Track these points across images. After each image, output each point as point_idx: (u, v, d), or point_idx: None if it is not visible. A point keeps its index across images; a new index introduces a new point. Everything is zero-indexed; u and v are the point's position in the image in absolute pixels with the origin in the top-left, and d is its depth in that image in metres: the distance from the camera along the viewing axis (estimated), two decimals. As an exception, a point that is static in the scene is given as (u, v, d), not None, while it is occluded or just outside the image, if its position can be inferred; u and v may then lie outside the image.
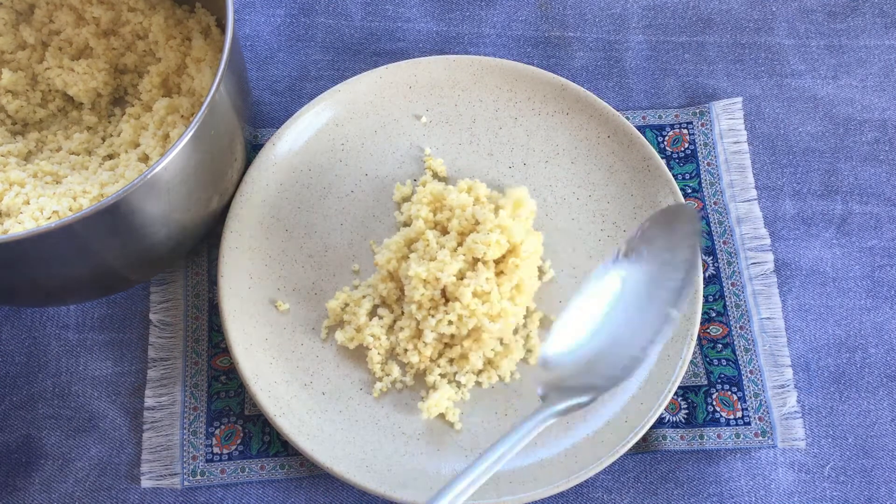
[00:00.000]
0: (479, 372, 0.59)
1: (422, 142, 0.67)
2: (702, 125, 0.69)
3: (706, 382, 0.60)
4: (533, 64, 0.71)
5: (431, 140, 0.67)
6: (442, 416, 0.58)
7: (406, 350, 0.59)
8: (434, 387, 0.59)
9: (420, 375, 0.60)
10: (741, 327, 0.62)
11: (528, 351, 0.60)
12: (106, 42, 0.65)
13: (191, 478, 0.58)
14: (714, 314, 0.62)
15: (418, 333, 0.59)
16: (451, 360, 0.59)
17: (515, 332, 0.60)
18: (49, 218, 0.55)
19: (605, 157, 0.66)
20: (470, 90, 0.68)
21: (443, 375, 0.59)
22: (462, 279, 0.58)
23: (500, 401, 0.59)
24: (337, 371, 0.60)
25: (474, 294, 0.58)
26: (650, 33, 0.73)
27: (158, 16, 0.64)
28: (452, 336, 0.59)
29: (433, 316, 0.58)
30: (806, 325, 0.63)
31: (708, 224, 0.65)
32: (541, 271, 0.62)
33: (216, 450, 0.58)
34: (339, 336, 0.60)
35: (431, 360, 0.59)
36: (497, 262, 0.60)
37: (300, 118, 0.65)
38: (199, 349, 0.61)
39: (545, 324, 0.61)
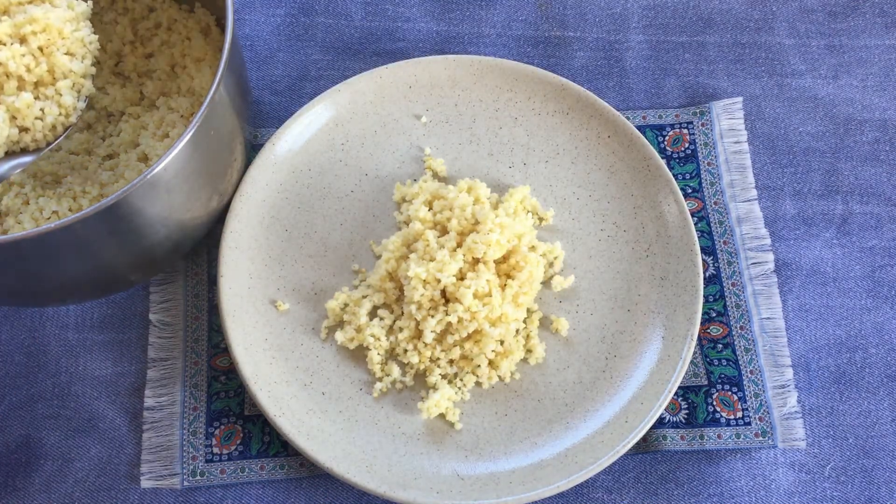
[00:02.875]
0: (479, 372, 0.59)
1: (422, 142, 0.67)
2: (702, 125, 0.69)
3: (706, 382, 0.60)
4: (533, 64, 0.71)
5: (431, 140, 0.67)
6: (442, 416, 0.58)
7: (406, 350, 0.59)
8: (434, 387, 0.59)
9: (420, 376, 0.60)
10: (741, 327, 0.62)
11: (528, 351, 0.60)
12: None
13: (190, 478, 0.58)
14: (714, 314, 0.62)
15: (418, 334, 0.59)
16: (451, 361, 0.59)
17: (516, 333, 0.60)
18: (49, 218, 0.55)
19: (605, 157, 0.66)
20: (470, 90, 0.68)
21: (443, 376, 0.59)
22: (462, 279, 0.58)
23: (500, 401, 0.59)
24: (337, 371, 0.60)
25: (475, 295, 0.57)
26: (650, 33, 0.73)
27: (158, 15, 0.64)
28: (453, 338, 0.59)
29: (433, 316, 0.58)
30: (806, 325, 0.63)
31: (708, 224, 0.65)
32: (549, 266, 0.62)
33: (216, 450, 0.58)
34: (339, 336, 0.60)
35: (431, 361, 0.59)
36: (499, 262, 0.60)
37: (300, 118, 0.65)
38: (199, 349, 0.61)
39: (545, 324, 0.61)
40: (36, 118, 0.51)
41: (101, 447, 0.59)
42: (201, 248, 0.64)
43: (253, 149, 0.67)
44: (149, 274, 0.61)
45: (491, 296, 0.58)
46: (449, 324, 0.58)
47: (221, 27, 0.63)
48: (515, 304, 0.59)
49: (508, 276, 0.60)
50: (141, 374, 0.61)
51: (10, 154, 0.52)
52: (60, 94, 0.51)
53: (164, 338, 0.61)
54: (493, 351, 0.58)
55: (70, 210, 0.55)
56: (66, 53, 0.51)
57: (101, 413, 0.60)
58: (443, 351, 0.59)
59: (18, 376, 0.61)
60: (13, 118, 0.51)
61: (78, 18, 0.52)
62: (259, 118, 0.70)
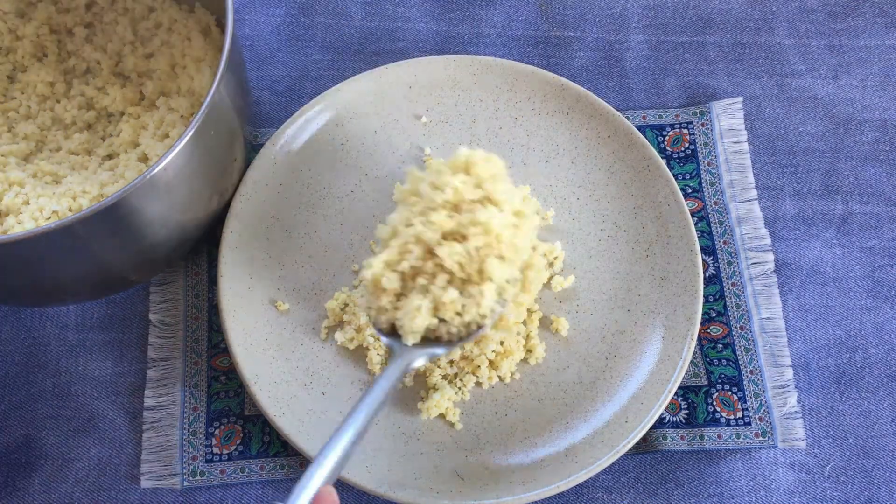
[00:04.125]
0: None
1: (422, 142, 0.67)
2: (702, 125, 0.69)
3: (706, 382, 0.60)
4: (533, 64, 0.71)
5: (431, 140, 0.67)
6: (442, 416, 0.58)
7: None
8: (434, 387, 0.59)
9: (420, 376, 0.60)
10: (741, 327, 0.62)
11: (528, 351, 0.60)
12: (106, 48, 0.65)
13: (190, 478, 0.58)
14: (714, 314, 0.62)
15: None
16: (451, 362, 0.59)
17: (516, 333, 0.60)
18: (49, 218, 0.55)
19: (605, 157, 0.66)
20: (470, 90, 0.68)
21: (444, 376, 0.59)
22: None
23: (501, 401, 0.59)
24: (337, 371, 0.60)
25: None
26: (650, 33, 0.73)
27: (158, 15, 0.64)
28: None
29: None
30: (806, 325, 0.63)
31: (708, 224, 0.65)
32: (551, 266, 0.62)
33: (216, 450, 0.58)
34: (339, 337, 0.60)
35: (431, 362, 0.59)
36: None
37: (300, 118, 0.65)
38: (199, 349, 0.61)
39: (545, 324, 0.61)
40: (456, 313, 0.51)
41: (101, 447, 0.59)
42: (201, 248, 0.64)
43: (253, 149, 0.67)
44: (149, 274, 0.61)
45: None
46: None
47: (221, 27, 0.63)
48: (516, 305, 0.59)
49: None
50: (141, 374, 0.61)
51: (424, 341, 0.52)
52: (482, 296, 0.51)
53: (164, 338, 0.61)
54: (493, 351, 0.58)
55: (70, 210, 0.55)
56: (497, 257, 0.51)
57: (101, 413, 0.60)
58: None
59: (18, 376, 0.61)
60: (436, 309, 0.51)
61: (518, 226, 0.52)
62: (259, 118, 0.70)
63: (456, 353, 0.59)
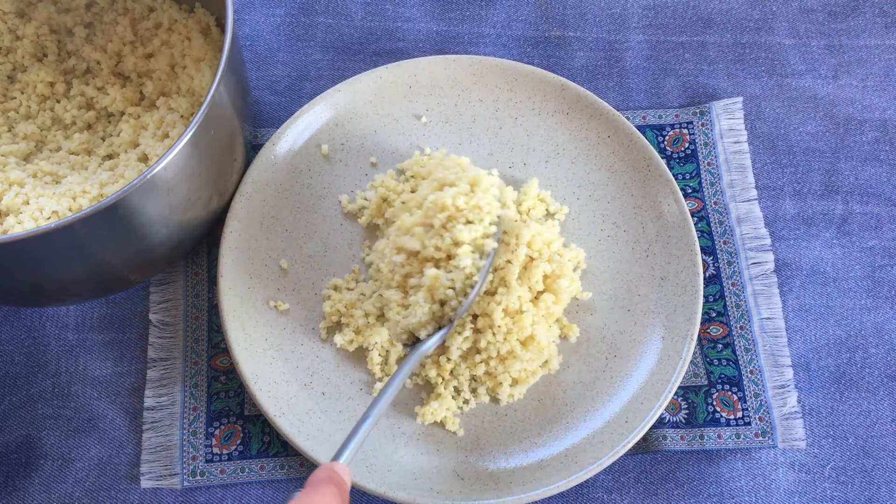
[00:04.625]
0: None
1: (422, 142, 0.67)
2: (702, 125, 0.69)
3: (706, 382, 0.60)
4: (533, 64, 0.71)
5: (431, 140, 0.67)
6: (441, 423, 0.58)
7: (424, 364, 0.59)
8: (437, 393, 0.58)
9: (429, 384, 0.59)
10: (741, 327, 0.62)
11: (545, 362, 0.59)
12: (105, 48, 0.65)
13: (190, 478, 0.58)
14: (714, 314, 0.62)
15: (443, 349, 0.58)
16: (473, 377, 0.59)
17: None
18: (49, 218, 0.55)
19: (605, 157, 0.66)
20: (470, 90, 0.68)
21: (456, 388, 0.58)
22: (493, 294, 0.57)
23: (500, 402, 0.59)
24: (337, 371, 0.60)
25: (505, 312, 0.57)
26: (650, 33, 0.73)
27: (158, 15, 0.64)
28: (481, 357, 0.58)
29: (460, 333, 0.57)
30: (806, 325, 0.63)
31: (708, 224, 0.65)
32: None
33: (216, 450, 0.58)
34: (339, 339, 0.59)
35: (451, 375, 0.59)
36: (527, 271, 0.59)
37: (300, 118, 0.65)
38: (199, 349, 0.61)
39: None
40: (448, 288, 0.56)
41: (101, 447, 0.59)
42: (201, 248, 0.64)
43: (253, 149, 0.67)
44: (149, 274, 0.61)
45: (522, 312, 0.57)
46: (476, 341, 0.57)
47: (221, 27, 0.63)
48: (547, 318, 0.58)
49: (541, 291, 0.58)
50: (141, 374, 0.61)
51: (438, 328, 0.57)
52: (459, 258, 0.55)
53: (164, 338, 0.61)
54: (518, 370, 0.57)
55: (70, 210, 0.55)
56: (465, 223, 0.56)
57: (101, 413, 0.60)
58: (466, 367, 0.58)
59: (18, 376, 0.61)
60: (433, 297, 0.56)
61: (473, 191, 0.58)
62: (259, 118, 0.70)
63: (480, 370, 0.58)
